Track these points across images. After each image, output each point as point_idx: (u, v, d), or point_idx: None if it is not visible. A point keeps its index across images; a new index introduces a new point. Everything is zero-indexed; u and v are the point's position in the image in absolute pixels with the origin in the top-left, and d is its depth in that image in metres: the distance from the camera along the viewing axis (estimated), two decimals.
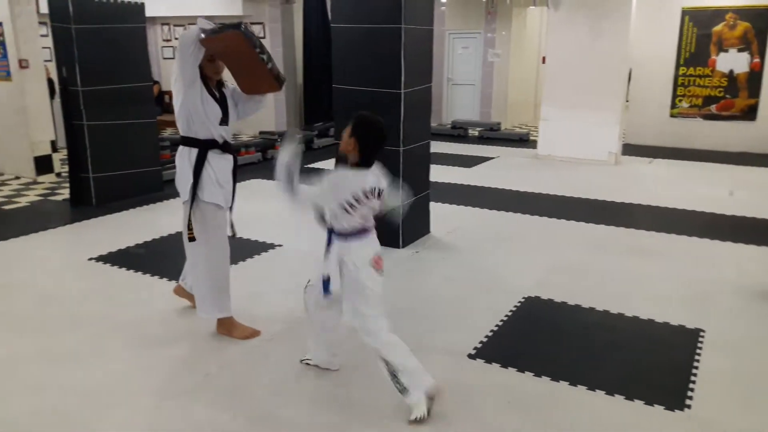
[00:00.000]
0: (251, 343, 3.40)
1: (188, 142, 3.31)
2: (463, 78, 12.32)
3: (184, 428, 2.69)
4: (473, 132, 11.17)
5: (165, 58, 12.43)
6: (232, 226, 3.49)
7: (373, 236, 2.85)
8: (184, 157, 3.31)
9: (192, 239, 3.30)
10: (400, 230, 4.96)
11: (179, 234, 5.30)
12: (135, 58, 6.38)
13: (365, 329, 2.76)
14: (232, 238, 3.48)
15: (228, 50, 3.26)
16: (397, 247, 4.99)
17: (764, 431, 2.68)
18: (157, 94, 10.81)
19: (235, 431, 2.67)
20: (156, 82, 10.71)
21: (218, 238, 3.38)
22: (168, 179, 7.11)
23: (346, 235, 2.76)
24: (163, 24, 12.16)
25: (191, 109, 3.24)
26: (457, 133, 11.05)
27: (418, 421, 2.68)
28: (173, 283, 4.23)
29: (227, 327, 3.48)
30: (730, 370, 3.19)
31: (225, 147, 3.38)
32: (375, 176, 2.75)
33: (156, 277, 4.38)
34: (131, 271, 4.51)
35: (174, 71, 3.27)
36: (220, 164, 3.34)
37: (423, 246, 5.10)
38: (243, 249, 4.94)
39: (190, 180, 3.26)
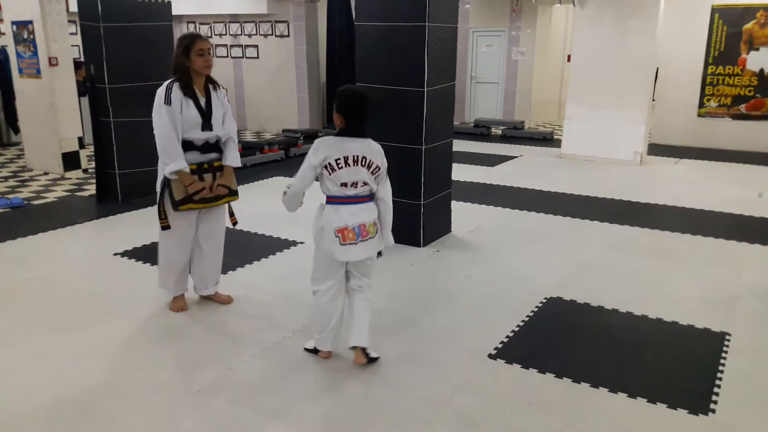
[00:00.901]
0: (272, 339, 3.43)
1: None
2: (487, 76, 12.25)
3: (206, 422, 2.72)
4: (496, 131, 11.10)
5: None
6: (231, 215, 3.76)
7: (358, 206, 2.99)
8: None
9: (166, 227, 3.54)
10: (421, 229, 4.96)
11: None
12: (162, 55, 6.43)
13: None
14: (233, 227, 3.77)
15: None
16: (418, 245, 4.98)
17: None
18: None
19: (256, 426, 2.69)
20: None
21: (184, 230, 3.63)
22: None
23: (334, 201, 2.97)
24: (189, 22, 12.29)
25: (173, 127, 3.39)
26: (480, 131, 10.99)
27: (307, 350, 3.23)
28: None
29: (173, 301, 3.82)
30: (756, 374, 3.13)
31: (207, 147, 3.52)
32: (363, 146, 2.96)
33: None
34: (155, 266, 4.56)
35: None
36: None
37: (444, 245, 5.09)
38: (266, 246, 4.98)
39: (161, 176, 3.48)
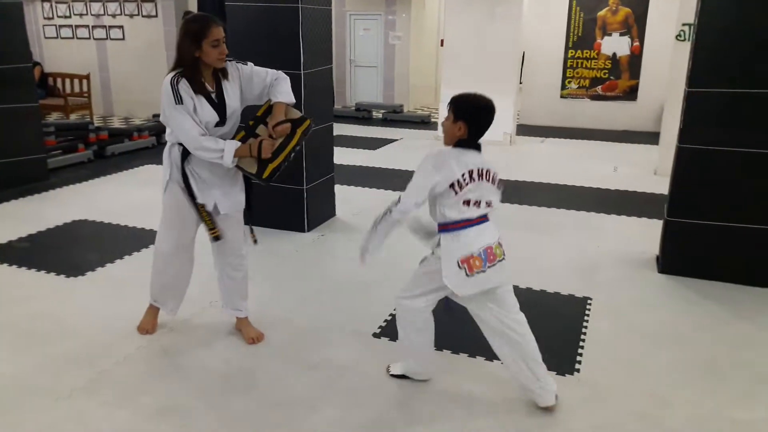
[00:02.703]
0: (147, 338, 3.28)
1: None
2: (366, 60, 12.34)
3: (80, 427, 2.56)
4: (377, 114, 11.24)
5: (47, 38, 11.57)
6: (252, 232, 3.19)
7: (484, 227, 2.65)
8: (166, 149, 3.02)
9: (217, 237, 3.08)
10: (305, 213, 4.93)
11: (67, 225, 5.05)
12: (10, 36, 5.90)
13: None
14: (255, 245, 3.22)
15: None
16: (303, 231, 4.96)
17: (645, 391, 2.91)
18: (39, 77, 10.07)
19: (135, 428, 2.57)
20: (37, 64, 9.97)
21: (185, 233, 3.16)
22: (54, 167, 6.69)
23: (454, 227, 2.55)
24: (44, 1, 11.30)
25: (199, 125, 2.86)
26: (362, 115, 11.08)
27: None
28: (62, 278, 4.01)
29: (146, 313, 3.38)
30: (614, 335, 3.43)
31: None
32: (482, 158, 2.61)
33: (43, 272, 4.12)
34: (14, 266, 4.21)
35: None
36: (204, 168, 2.97)
37: (329, 229, 5.11)
38: (137, 239, 4.74)
39: (166, 177, 3.01)
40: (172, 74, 2.84)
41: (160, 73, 11.36)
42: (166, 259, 3.21)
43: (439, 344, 3.23)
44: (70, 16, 11.19)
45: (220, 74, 2.94)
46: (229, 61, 2.97)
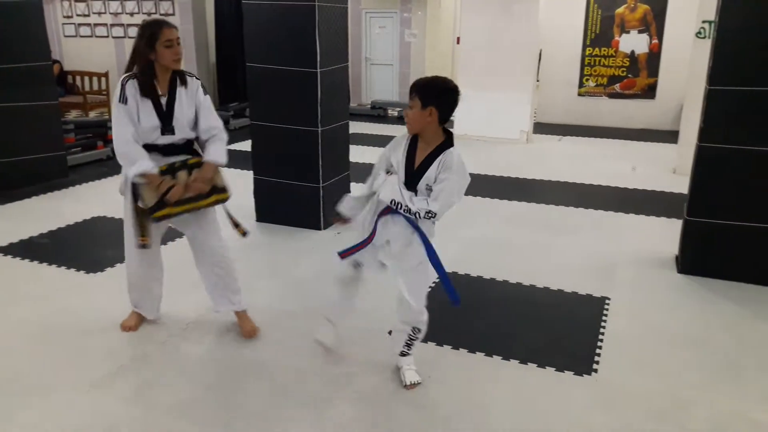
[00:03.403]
0: (163, 336, 3.31)
1: None
2: (382, 58, 12.33)
3: (97, 422, 2.59)
4: (393, 112, 11.23)
5: (66, 36, 11.70)
6: (239, 226, 3.17)
7: None
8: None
9: (144, 246, 3.04)
10: (321, 212, 4.94)
11: (86, 222, 5.11)
12: (31, 35, 5.96)
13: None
14: (244, 236, 3.23)
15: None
16: (318, 228, 4.97)
17: (663, 392, 2.88)
18: (59, 74, 10.19)
19: (150, 424, 2.60)
20: (56, 62, 10.09)
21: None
22: (73, 164, 6.76)
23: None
24: (62, 0, 11.43)
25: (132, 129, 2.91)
26: (377, 113, 11.08)
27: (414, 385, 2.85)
28: (81, 274, 4.06)
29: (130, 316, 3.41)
30: (632, 335, 3.40)
31: (172, 149, 3.01)
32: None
33: (63, 267, 4.17)
34: (35, 262, 4.26)
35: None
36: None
37: (344, 227, 5.09)
38: None
39: (123, 177, 3.03)
40: (125, 75, 2.91)
41: None
42: (134, 263, 3.21)
43: (456, 343, 3.23)
44: (88, 15, 11.31)
45: (179, 80, 2.98)
46: (195, 78, 3.08)
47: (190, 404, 2.72)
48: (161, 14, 10.62)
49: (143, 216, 2.99)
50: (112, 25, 11.12)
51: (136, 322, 3.37)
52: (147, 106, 2.90)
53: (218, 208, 3.18)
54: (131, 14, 10.93)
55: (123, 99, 2.87)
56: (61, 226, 4.99)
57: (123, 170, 3.00)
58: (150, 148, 2.95)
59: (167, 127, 2.94)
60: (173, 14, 10.53)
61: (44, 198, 5.81)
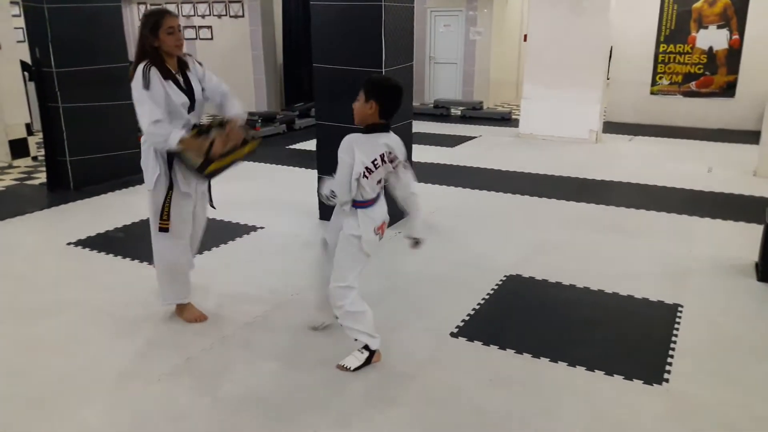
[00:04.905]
0: (232, 327, 3.39)
1: None
2: (446, 56, 12.26)
3: (166, 413, 2.68)
4: (456, 111, 11.14)
5: None
6: (210, 200, 3.51)
7: (382, 201, 2.94)
8: (150, 148, 3.16)
9: (165, 230, 3.23)
10: None
11: None
12: (111, 38, 6.24)
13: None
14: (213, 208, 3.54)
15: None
16: None
17: (738, 405, 2.73)
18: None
19: (217, 416, 2.67)
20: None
21: (185, 226, 3.34)
22: None
23: (368, 204, 2.83)
24: (139, 3, 11.92)
25: (160, 110, 3.04)
26: (440, 112, 11.02)
27: (344, 369, 2.94)
28: (153, 268, 4.20)
29: (179, 308, 3.50)
30: (708, 345, 3.24)
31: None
32: (390, 140, 2.81)
33: (136, 261, 4.34)
34: (110, 255, 4.46)
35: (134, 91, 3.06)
36: None
37: (405, 226, 5.09)
38: (225, 231, 4.91)
39: (157, 171, 3.14)
40: (143, 64, 3.04)
41: (245, 72, 11.80)
42: (171, 253, 3.33)
43: (519, 347, 3.16)
44: None
45: (182, 65, 3.18)
46: (188, 55, 3.28)
47: (256, 397, 2.78)
48: (231, 16, 10.91)
49: (172, 199, 3.20)
50: (185, 27, 11.51)
51: (197, 310, 3.49)
52: (172, 87, 3.09)
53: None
54: (203, 16, 11.28)
55: (146, 85, 3.00)
56: (135, 221, 5.20)
57: (152, 167, 3.16)
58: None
59: (192, 104, 3.17)
60: (243, 16, 10.81)
61: (120, 194, 6.07)
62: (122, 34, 6.44)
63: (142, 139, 3.19)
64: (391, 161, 2.80)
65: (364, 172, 2.72)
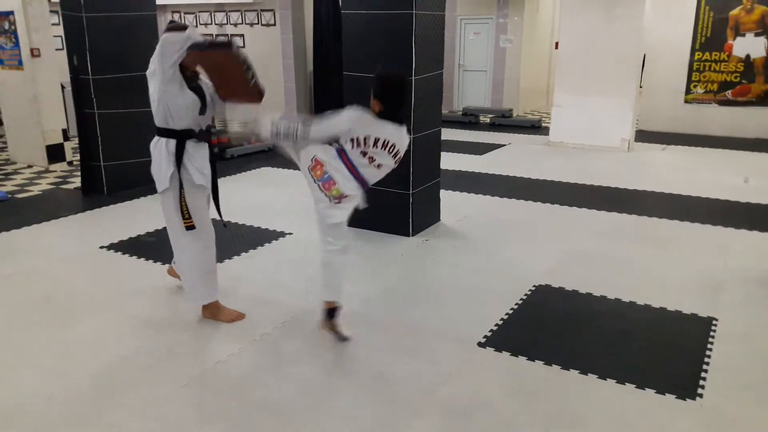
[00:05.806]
0: (260, 332, 3.41)
1: (165, 133, 3.31)
2: (475, 64, 12.22)
3: (194, 415, 2.70)
4: (485, 119, 11.09)
5: None
6: (220, 215, 3.58)
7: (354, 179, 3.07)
8: (162, 148, 3.30)
9: (191, 227, 3.33)
10: (410, 218, 4.94)
11: None
12: (146, 46, 6.31)
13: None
14: (225, 227, 3.57)
15: (214, 65, 3.28)
16: (407, 235, 4.97)
17: None
18: None
19: (245, 419, 2.68)
20: None
21: (206, 221, 3.44)
22: None
23: (348, 163, 3.02)
24: (173, 12, 12.14)
25: (170, 103, 3.22)
26: (469, 120, 10.98)
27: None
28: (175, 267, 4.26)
29: (212, 311, 3.54)
30: (743, 359, 3.15)
31: (201, 136, 3.36)
32: (396, 131, 2.99)
33: (166, 265, 4.39)
34: (142, 259, 4.54)
35: (152, 66, 3.27)
36: (197, 153, 3.35)
37: (433, 234, 5.08)
38: (254, 237, 4.96)
39: (171, 169, 3.27)
40: None
41: (277, 80, 11.82)
42: (198, 251, 3.41)
43: (548, 359, 3.12)
44: (196, 26, 11.94)
45: (197, 78, 3.37)
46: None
47: (283, 402, 2.79)
48: (263, 24, 11.06)
49: (188, 199, 3.32)
50: (217, 35, 11.68)
51: (231, 311, 3.54)
52: (184, 87, 3.26)
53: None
54: (235, 25, 11.43)
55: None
56: (165, 225, 5.27)
57: (164, 166, 3.30)
58: (191, 133, 3.30)
59: (204, 107, 3.32)
60: (274, 24, 10.93)
61: (150, 199, 6.17)
62: (157, 42, 6.54)
63: (152, 144, 3.39)
64: (394, 155, 3.02)
65: (353, 141, 2.95)
